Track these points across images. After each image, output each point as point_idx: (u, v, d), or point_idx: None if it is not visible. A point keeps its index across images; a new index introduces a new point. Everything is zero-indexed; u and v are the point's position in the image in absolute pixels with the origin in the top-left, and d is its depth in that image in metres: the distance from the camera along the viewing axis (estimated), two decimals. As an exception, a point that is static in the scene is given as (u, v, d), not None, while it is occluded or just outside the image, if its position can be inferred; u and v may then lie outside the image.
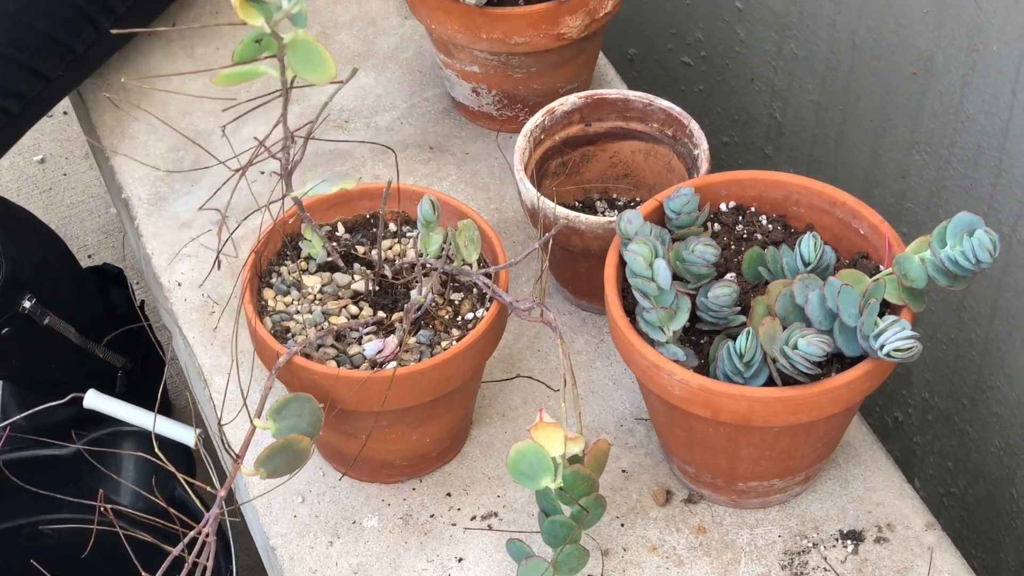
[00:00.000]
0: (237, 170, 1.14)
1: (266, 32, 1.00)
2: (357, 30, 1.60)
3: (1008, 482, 1.49)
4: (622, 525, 1.21)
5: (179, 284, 1.39)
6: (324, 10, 1.63)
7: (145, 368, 1.81)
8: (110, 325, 1.72)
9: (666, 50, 1.88)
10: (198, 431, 1.43)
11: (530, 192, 1.26)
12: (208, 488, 1.13)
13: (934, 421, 1.62)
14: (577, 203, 1.38)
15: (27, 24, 1.43)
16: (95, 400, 1.48)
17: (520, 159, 1.29)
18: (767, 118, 1.74)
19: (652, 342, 1.11)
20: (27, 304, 1.51)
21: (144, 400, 1.73)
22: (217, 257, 1.18)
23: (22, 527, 1.54)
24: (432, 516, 1.23)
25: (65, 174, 2.27)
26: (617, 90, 1.35)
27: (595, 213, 1.37)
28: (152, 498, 1.38)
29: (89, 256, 2.16)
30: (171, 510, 1.12)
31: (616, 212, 1.37)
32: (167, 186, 1.47)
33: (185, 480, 1.13)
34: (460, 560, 1.20)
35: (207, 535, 1.08)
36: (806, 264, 1.13)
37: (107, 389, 1.71)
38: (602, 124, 1.35)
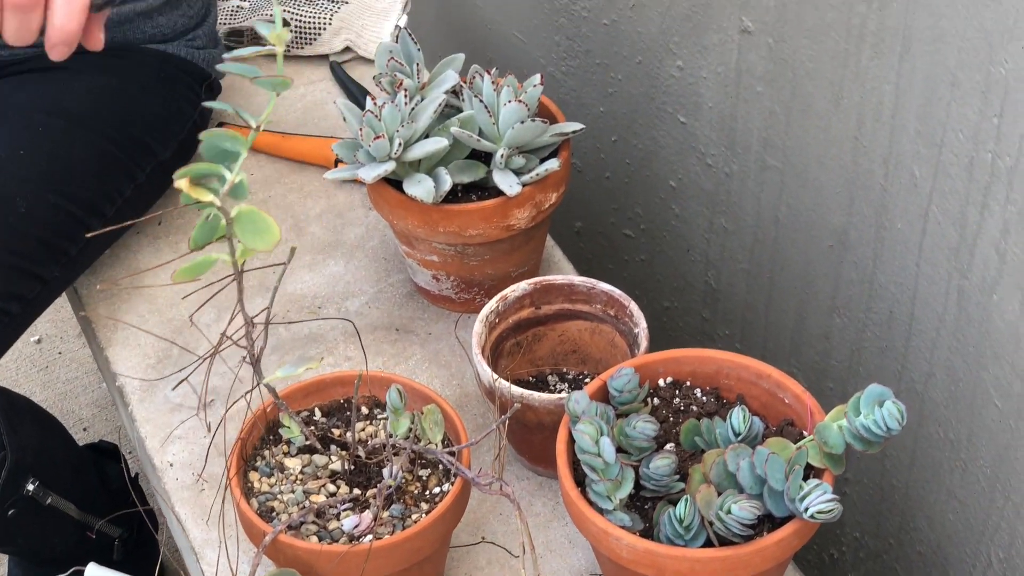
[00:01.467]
0: (206, 356, 1.20)
1: (215, 207, 1.03)
2: (326, 222, 1.68)
3: (934, 615, 1.55)
4: (582, 675, 1.26)
5: (171, 464, 1.44)
6: (296, 204, 1.70)
7: (140, 536, 1.85)
8: (107, 498, 1.77)
9: (609, 223, 1.95)
10: (192, 599, 1.48)
11: (487, 374, 1.32)
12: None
13: (865, 558, 1.68)
14: (531, 378, 1.44)
15: (25, 232, 1.49)
16: (95, 573, 1.52)
17: (478, 343, 1.36)
18: (703, 285, 1.81)
19: (601, 510, 1.17)
20: (30, 487, 1.56)
21: (140, 566, 1.78)
22: (209, 447, 1.24)
23: None
24: (409, 673, 1.27)
25: (60, 352, 2.33)
26: (563, 276, 1.42)
27: (547, 386, 1.43)
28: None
29: (84, 429, 2.21)
30: None
31: (566, 385, 1.43)
32: (157, 373, 1.53)
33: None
34: None
35: None
36: (737, 435, 1.20)
37: (105, 557, 1.77)
38: (551, 307, 1.42)
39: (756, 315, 1.73)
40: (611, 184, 1.91)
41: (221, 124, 1.77)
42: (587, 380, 1.43)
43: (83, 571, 1.53)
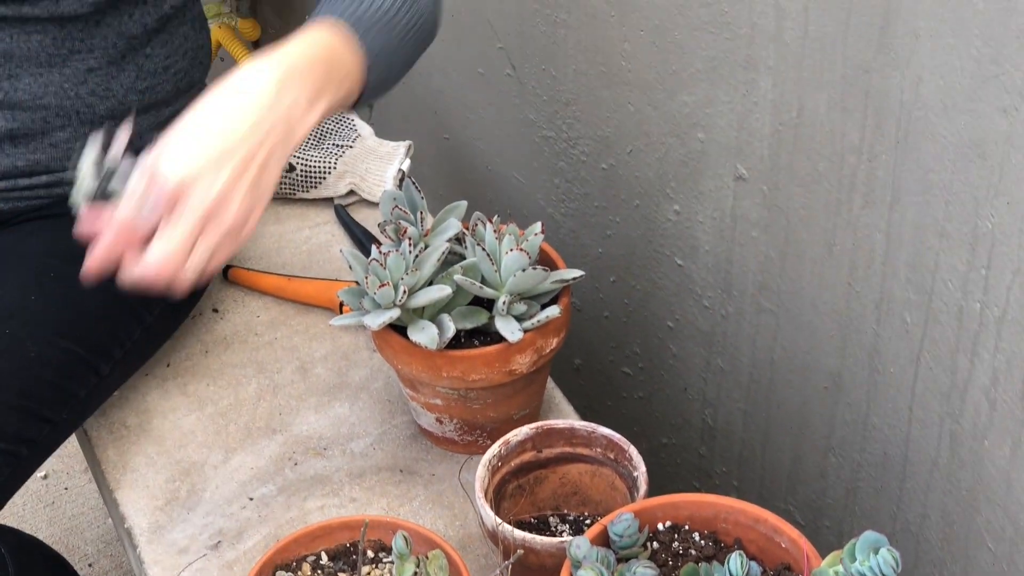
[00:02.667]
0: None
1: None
2: (331, 364, 1.71)
3: None
4: None
5: (178, 610, 1.46)
6: (301, 346, 1.73)
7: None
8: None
9: (608, 361, 1.98)
10: None
11: (491, 518, 1.34)
12: None
13: None
14: (533, 519, 1.46)
15: (36, 376, 1.51)
16: None
17: (480, 486, 1.38)
18: (700, 423, 1.84)
19: (603, 655, 1.19)
20: None
21: None
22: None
23: None
24: None
25: (66, 488, 2.35)
26: (564, 420, 1.44)
27: (549, 528, 1.45)
28: None
29: (90, 565, 2.22)
30: None
31: (568, 527, 1.45)
32: (165, 515, 1.55)
33: None
34: None
35: None
36: (735, 580, 1.22)
37: None
38: (552, 450, 1.45)
39: (753, 453, 1.75)
40: (610, 323, 1.94)
41: (228, 268, 1.81)
42: (588, 522, 1.45)
43: None
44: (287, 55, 1.28)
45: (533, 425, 1.44)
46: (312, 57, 1.29)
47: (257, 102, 1.23)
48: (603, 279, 1.92)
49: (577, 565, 1.22)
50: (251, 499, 1.56)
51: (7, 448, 1.47)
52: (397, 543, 1.26)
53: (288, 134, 1.25)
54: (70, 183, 1.28)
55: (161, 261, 1.20)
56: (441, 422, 1.56)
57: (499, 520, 1.34)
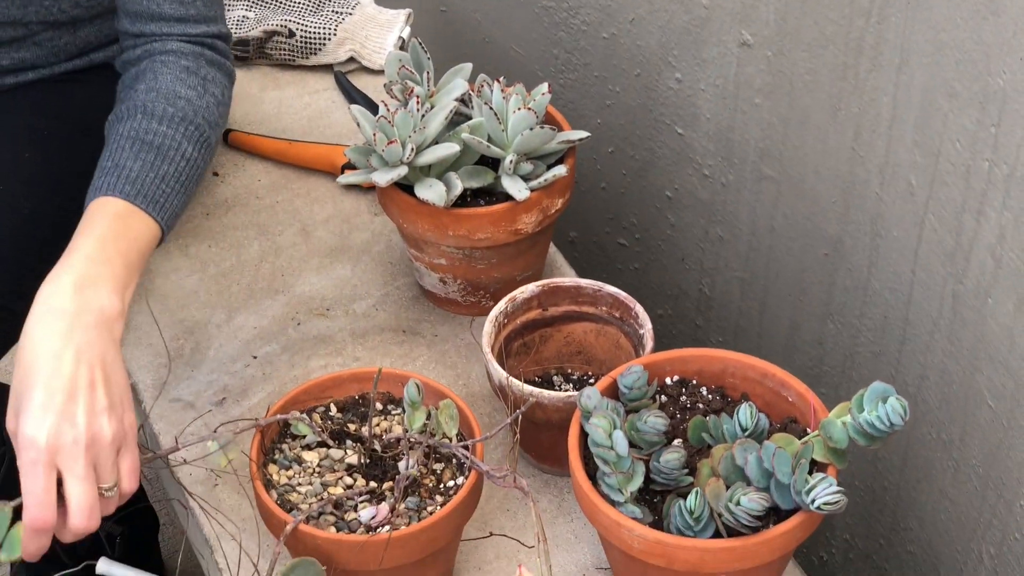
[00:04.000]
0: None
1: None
2: (333, 227, 1.71)
3: (924, 613, 1.59)
4: (589, 664, 1.29)
5: (184, 460, 1.47)
6: (303, 209, 1.73)
7: (141, 532, 1.87)
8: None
9: (604, 233, 1.99)
10: (203, 592, 1.50)
11: (499, 373, 1.35)
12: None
13: (855, 559, 1.71)
14: (536, 378, 1.47)
15: (30, 233, 1.50)
16: (107, 567, 1.54)
17: (488, 342, 1.39)
18: (697, 293, 1.85)
19: (613, 502, 1.21)
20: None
21: (136, 562, 1.80)
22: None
23: None
24: (421, 662, 1.30)
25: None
26: (570, 279, 1.45)
27: (552, 387, 1.46)
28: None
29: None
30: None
31: (571, 386, 1.46)
32: (168, 372, 1.55)
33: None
34: None
35: None
36: (744, 430, 1.23)
37: (104, 554, 1.78)
38: (558, 308, 1.46)
39: (750, 322, 1.76)
40: (607, 195, 1.95)
41: (229, 132, 1.80)
42: (592, 381, 1.46)
43: (94, 565, 1.55)
44: (80, 259, 1.28)
45: (539, 283, 1.45)
46: (106, 248, 1.30)
47: (66, 327, 1.23)
48: (601, 150, 1.92)
49: (588, 415, 1.23)
50: (255, 357, 1.57)
51: (3, 304, 1.47)
52: (409, 391, 1.26)
53: (109, 331, 1.25)
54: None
55: (83, 507, 1.19)
56: (445, 282, 1.56)
57: (509, 376, 1.35)
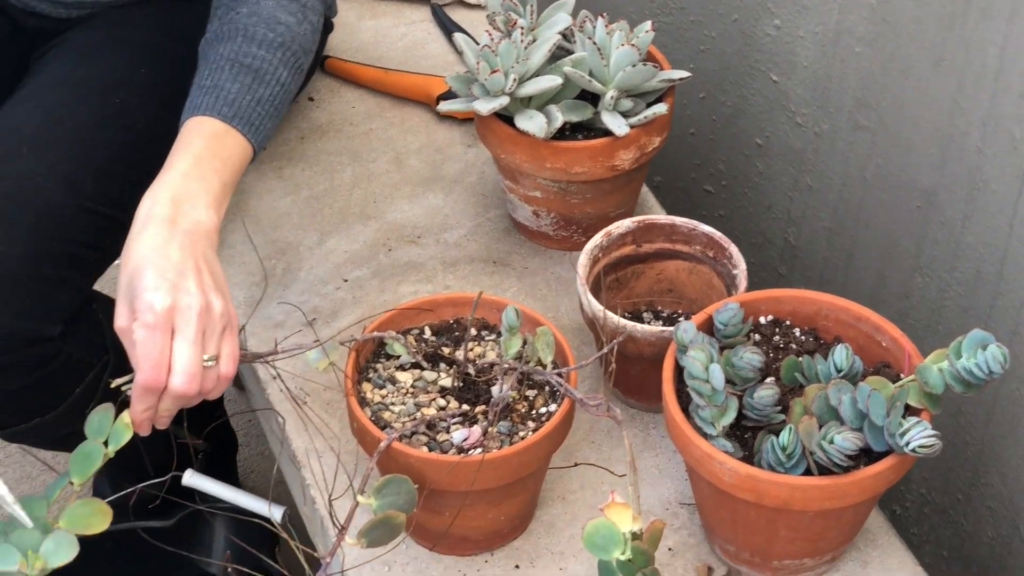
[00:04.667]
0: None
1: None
2: (426, 156, 1.72)
3: (999, 569, 1.59)
4: (670, 596, 1.31)
5: (274, 377, 1.48)
6: (396, 138, 1.74)
7: (221, 452, 1.90)
8: (195, 410, 1.80)
9: (690, 179, 1.99)
10: (284, 509, 1.52)
11: (594, 305, 1.36)
12: (310, 552, 1.22)
13: (930, 514, 1.71)
14: (626, 314, 1.48)
15: (140, 148, 1.52)
16: (192, 479, 1.57)
17: (583, 274, 1.40)
18: (782, 242, 1.85)
19: (704, 435, 1.21)
20: (127, 391, 1.59)
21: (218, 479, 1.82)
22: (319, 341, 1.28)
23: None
24: (503, 585, 1.32)
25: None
26: (666, 216, 1.46)
27: (643, 323, 1.47)
28: (241, 569, 1.47)
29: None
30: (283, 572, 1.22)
31: (661, 323, 1.47)
32: (261, 291, 1.57)
33: (296, 547, 1.22)
34: (529, 624, 1.29)
35: (316, 596, 1.18)
36: (838, 371, 1.23)
37: (187, 469, 1.80)
38: (651, 245, 1.46)
39: (835, 273, 1.76)
40: (695, 140, 1.95)
41: (326, 58, 1.81)
42: (681, 319, 1.46)
43: (180, 477, 1.57)
44: (177, 176, 1.32)
45: (635, 219, 1.45)
46: (202, 166, 1.33)
47: (167, 231, 1.27)
48: (692, 95, 1.92)
49: (684, 348, 1.24)
50: (345, 281, 1.58)
51: (108, 213, 1.49)
52: (508, 316, 1.27)
53: (207, 240, 1.30)
54: None
55: (188, 370, 1.24)
56: (538, 216, 1.57)
57: (605, 309, 1.36)
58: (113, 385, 1.28)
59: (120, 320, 1.25)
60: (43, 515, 1.22)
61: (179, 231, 1.28)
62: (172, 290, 1.24)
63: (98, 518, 1.22)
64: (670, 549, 1.34)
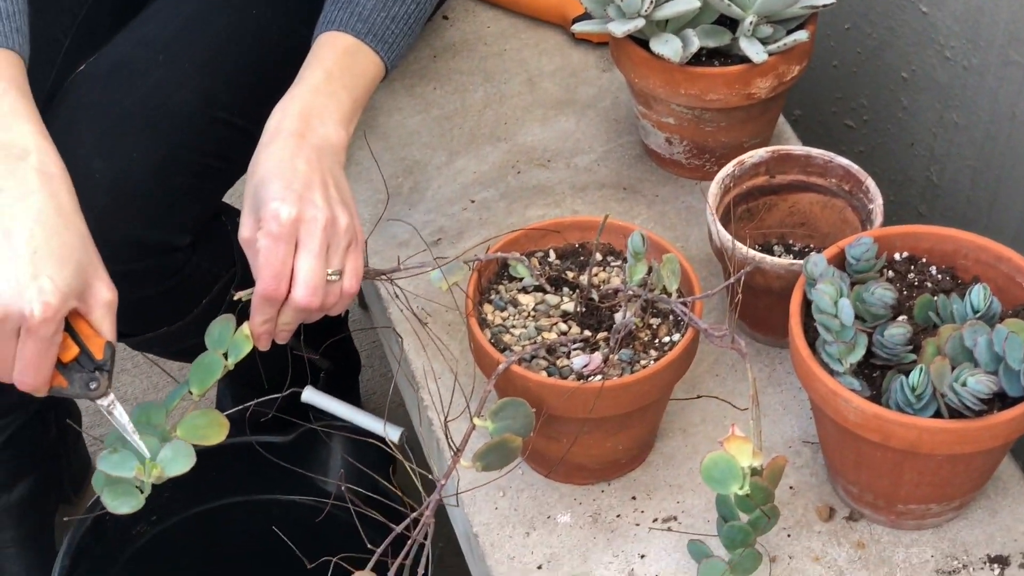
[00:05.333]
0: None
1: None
2: (559, 80, 1.69)
3: None
4: (788, 536, 1.28)
5: (396, 296, 1.47)
6: (530, 60, 1.71)
7: (343, 372, 1.90)
8: (318, 330, 1.81)
9: (830, 113, 1.94)
10: (402, 430, 1.51)
11: (723, 234, 1.33)
12: (424, 476, 1.21)
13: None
14: (756, 246, 1.44)
15: (276, 60, 1.51)
16: (311, 396, 1.57)
17: (713, 203, 1.37)
18: (923, 180, 1.80)
19: (831, 372, 1.18)
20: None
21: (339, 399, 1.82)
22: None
23: (237, 504, 1.63)
24: (618, 516, 1.30)
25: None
26: (801, 147, 1.41)
27: (772, 256, 1.43)
28: (356, 488, 1.46)
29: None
30: (395, 491, 1.21)
31: (791, 256, 1.43)
32: (386, 208, 1.56)
33: (411, 468, 1.21)
34: (643, 556, 1.27)
35: (428, 517, 1.17)
36: (975, 312, 1.19)
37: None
38: (785, 177, 1.42)
39: (978, 213, 1.71)
40: (838, 73, 1.89)
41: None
42: (812, 253, 1.42)
43: (298, 393, 1.57)
44: (307, 90, 1.30)
45: (769, 148, 1.41)
46: (333, 81, 1.32)
47: (295, 145, 1.26)
48: (837, 26, 1.86)
49: (813, 282, 1.20)
50: (472, 202, 1.56)
51: (240, 124, 1.48)
52: (634, 241, 1.25)
53: (335, 156, 1.28)
54: None
55: (311, 283, 1.22)
56: (670, 143, 1.53)
57: (734, 239, 1.33)
58: (235, 297, 1.28)
59: (244, 231, 1.24)
60: (161, 422, 1.22)
61: (307, 145, 1.27)
62: (298, 201, 1.22)
63: (215, 429, 1.22)
64: (791, 488, 1.31)
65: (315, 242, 1.22)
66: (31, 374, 1.15)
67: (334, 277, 1.24)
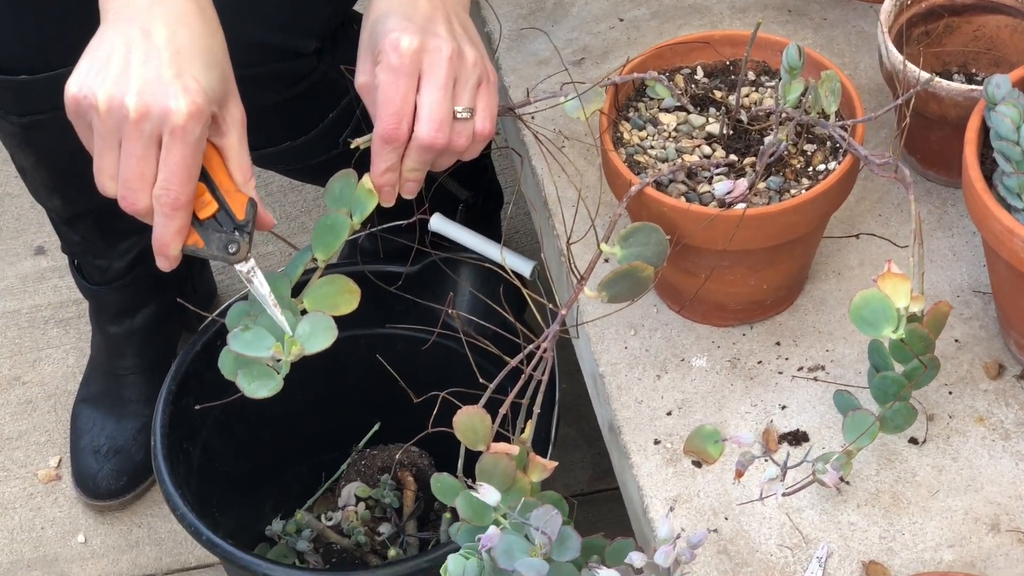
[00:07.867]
0: None
1: None
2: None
3: None
4: (950, 393, 1.15)
5: (532, 117, 1.36)
6: None
7: (484, 204, 1.80)
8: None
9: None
10: (534, 263, 1.41)
11: (894, 55, 1.19)
12: (549, 307, 1.11)
13: None
14: (934, 74, 1.30)
15: None
16: (439, 224, 1.47)
17: (886, 20, 1.23)
18: None
19: (1008, 207, 1.04)
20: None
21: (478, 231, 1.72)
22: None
23: (364, 336, 1.54)
24: (760, 362, 1.18)
25: None
26: (991, -39, 1.26)
27: (951, 84, 1.29)
28: (482, 323, 1.36)
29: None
30: (517, 326, 1.11)
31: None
32: (528, 24, 1.44)
33: (530, 298, 1.11)
34: (783, 408, 1.15)
35: (545, 350, 1.06)
36: None
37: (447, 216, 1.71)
38: (971, -5, 1.28)
39: None
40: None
41: None
42: (997, 84, 1.27)
43: (427, 221, 1.47)
44: None
45: (954, -38, 1.26)
46: None
47: None
48: None
49: (993, 104, 1.06)
50: (621, 20, 1.44)
51: None
52: (789, 54, 1.11)
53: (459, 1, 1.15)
54: None
55: (436, 117, 1.08)
56: (843, -42, 1.39)
57: (905, 59, 1.18)
58: (353, 144, 1.15)
59: (362, 75, 1.12)
60: (287, 294, 1.10)
61: None
62: (420, 32, 1.09)
63: (345, 297, 1.10)
64: (956, 340, 1.18)
65: (440, 73, 1.09)
66: (176, 184, 1.02)
67: (464, 115, 1.11)
